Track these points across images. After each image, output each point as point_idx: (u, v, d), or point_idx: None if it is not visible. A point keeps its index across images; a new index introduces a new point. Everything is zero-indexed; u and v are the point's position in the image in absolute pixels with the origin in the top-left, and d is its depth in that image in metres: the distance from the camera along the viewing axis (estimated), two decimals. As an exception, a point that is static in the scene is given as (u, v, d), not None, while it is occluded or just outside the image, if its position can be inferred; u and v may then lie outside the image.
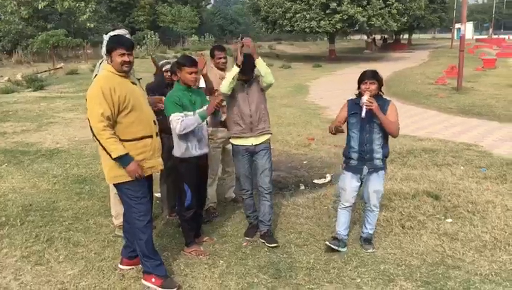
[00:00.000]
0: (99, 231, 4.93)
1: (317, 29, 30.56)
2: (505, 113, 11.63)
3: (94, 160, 7.76)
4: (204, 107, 4.12)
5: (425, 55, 37.43)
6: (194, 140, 4.15)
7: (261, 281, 3.89)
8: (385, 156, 4.29)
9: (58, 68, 23.40)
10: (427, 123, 10.75)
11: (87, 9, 33.32)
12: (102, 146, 3.54)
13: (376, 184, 4.29)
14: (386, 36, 53.05)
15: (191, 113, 4.06)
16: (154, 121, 3.82)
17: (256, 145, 4.54)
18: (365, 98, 3.98)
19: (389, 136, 4.25)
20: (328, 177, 6.77)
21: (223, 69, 5.15)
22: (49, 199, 5.90)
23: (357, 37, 61.27)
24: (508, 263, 4.09)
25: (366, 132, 4.17)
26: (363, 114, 4.01)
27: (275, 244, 4.55)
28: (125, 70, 3.63)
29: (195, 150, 4.18)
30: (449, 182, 6.32)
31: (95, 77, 4.37)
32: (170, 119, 4.03)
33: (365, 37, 50.05)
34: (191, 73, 4.05)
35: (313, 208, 5.56)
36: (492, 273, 3.92)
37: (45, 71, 22.33)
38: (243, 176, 4.69)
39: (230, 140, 4.65)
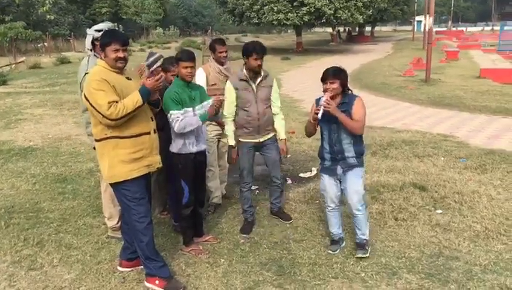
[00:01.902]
0: (90, 232, 4.77)
1: (284, 21, 30.65)
2: (474, 104, 11.97)
3: (72, 158, 7.54)
4: (206, 106, 4.03)
5: (389, 47, 38.17)
6: (192, 136, 4.06)
7: (266, 279, 3.86)
8: (360, 153, 4.12)
9: (19, 62, 22.56)
10: (402, 115, 10.95)
11: (47, 1, 32.25)
12: (128, 114, 3.38)
13: (353, 183, 4.09)
14: (350, 29, 53.75)
15: (190, 109, 3.97)
16: (151, 118, 3.70)
17: (262, 141, 4.67)
18: (323, 99, 3.89)
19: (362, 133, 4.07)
20: (314, 171, 6.80)
21: (223, 63, 5.09)
22: (31, 200, 5.67)
23: (320, 29, 61.90)
24: (504, 253, 4.20)
25: (334, 132, 4.05)
26: (319, 116, 3.89)
27: (290, 221, 4.95)
28: (120, 67, 3.50)
29: (192, 147, 4.09)
30: (433, 173, 6.44)
31: (85, 74, 4.19)
32: (169, 116, 3.93)
33: (329, 29, 50.58)
34: (186, 67, 3.96)
35: (305, 202, 5.56)
36: (491, 263, 4.01)
37: (6, 65, 21.47)
38: (246, 170, 4.75)
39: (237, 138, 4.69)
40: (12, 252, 4.35)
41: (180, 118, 3.88)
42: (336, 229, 4.38)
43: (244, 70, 4.58)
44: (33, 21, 36.09)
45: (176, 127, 3.90)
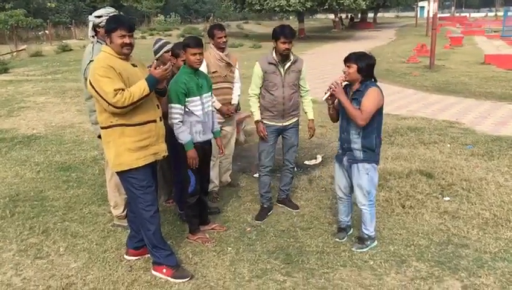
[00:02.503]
0: (96, 221, 4.74)
1: (287, 8, 30.36)
2: (479, 90, 11.87)
3: (76, 146, 7.50)
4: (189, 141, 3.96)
5: (392, 33, 37.83)
6: (199, 125, 4.00)
7: (274, 267, 3.83)
8: (368, 148, 3.89)
9: (21, 50, 22.44)
10: (406, 101, 10.86)
11: (47, -12, 32.00)
12: (135, 102, 3.31)
13: (357, 179, 3.97)
14: (352, 15, 53.30)
15: (197, 98, 3.92)
16: (157, 105, 3.64)
17: (285, 125, 4.68)
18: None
19: (378, 125, 3.90)
20: (319, 158, 6.75)
21: (223, 49, 4.99)
22: (36, 188, 5.64)
23: (323, 16, 61.41)
24: (514, 240, 4.17)
25: (345, 120, 3.96)
26: (324, 98, 3.93)
27: (297, 210, 4.93)
28: (126, 53, 3.42)
29: (199, 136, 4.03)
30: (439, 160, 6.39)
31: (90, 62, 4.10)
32: (170, 108, 3.87)
33: (331, 16, 50.15)
34: (194, 54, 3.87)
35: (311, 190, 5.53)
36: (502, 250, 3.98)
37: (7, 53, 21.36)
38: (266, 153, 4.74)
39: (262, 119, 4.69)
40: (18, 240, 4.33)
41: (179, 119, 3.88)
42: (343, 217, 4.34)
43: (274, 54, 4.52)
44: (33, 9, 35.82)
45: (173, 122, 3.89)
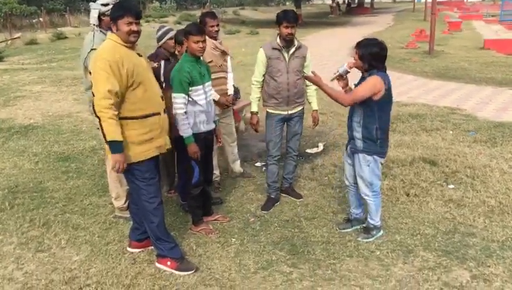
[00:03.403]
0: (97, 212, 4.67)
1: (284, -7, 30.01)
2: (479, 76, 11.78)
3: (74, 136, 7.41)
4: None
5: (390, 19, 37.55)
6: (202, 115, 3.92)
7: (280, 259, 3.78)
8: (368, 138, 3.76)
9: (15, 38, 22.14)
10: (407, 88, 10.77)
11: (41, -25, 31.53)
12: (100, 125, 3.22)
13: (359, 169, 3.90)
14: (349, 0, 52.90)
15: (200, 86, 3.83)
16: (161, 97, 3.56)
17: (291, 113, 4.62)
18: (341, 68, 3.88)
19: (380, 116, 3.75)
20: (321, 146, 6.68)
21: (215, 38, 4.86)
22: (35, 179, 5.56)
23: (319, 1, 60.97)
24: (521, 228, 4.13)
25: (352, 106, 3.84)
26: (331, 78, 3.97)
27: (301, 199, 4.90)
28: (133, 41, 3.32)
29: (203, 126, 3.95)
30: (442, 147, 6.33)
31: (91, 50, 4.00)
32: (173, 97, 3.79)
33: (327, 1, 49.75)
34: (197, 42, 3.77)
35: (314, 179, 5.46)
36: (509, 239, 3.94)
37: (2, 42, 21.10)
38: (273, 142, 4.70)
39: (266, 108, 4.64)
40: (19, 233, 4.26)
41: (184, 109, 3.80)
42: (352, 208, 4.26)
43: (278, 40, 4.45)
44: (27, -4, 35.40)
45: (176, 111, 3.80)
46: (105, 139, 3.24)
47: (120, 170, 3.30)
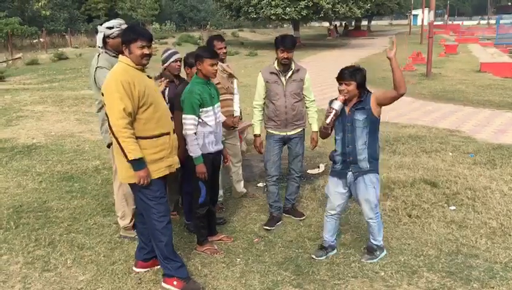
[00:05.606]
0: (102, 232, 4.70)
1: (283, 16, 30.40)
2: (477, 98, 11.95)
3: (77, 156, 7.45)
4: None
5: (386, 41, 37.95)
6: (211, 136, 4.00)
7: (285, 279, 3.81)
8: (373, 158, 3.86)
9: (16, 58, 22.34)
10: (406, 110, 10.90)
11: (42, -4, 32.03)
12: (119, 145, 3.31)
13: (364, 193, 3.88)
14: (346, 23, 53.60)
15: (210, 108, 3.92)
16: (171, 117, 3.65)
17: (290, 134, 4.70)
18: (336, 104, 3.78)
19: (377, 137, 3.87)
20: (322, 167, 6.75)
21: (223, 60, 4.97)
22: (39, 199, 5.59)
23: (317, 24, 61.66)
24: (523, 250, 4.17)
25: (349, 132, 3.83)
26: (327, 120, 3.80)
27: (303, 217, 4.95)
28: (145, 64, 3.44)
29: (211, 147, 4.03)
30: (442, 168, 6.40)
31: (96, 69, 4.15)
32: (184, 118, 3.86)
33: (325, 24, 50.40)
34: (212, 65, 3.88)
35: (316, 200, 5.51)
36: (512, 260, 3.99)
37: (3, 62, 21.27)
38: (271, 162, 4.75)
39: (266, 129, 4.75)
40: (25, 253, 4.28)
41: (193, 130, 3.88)
42: (328, 235, 4.18)
43: (275, 64, 4.58)
44: (28, 17, 35.79)
45: (187, 132, 3.87)
46: (126, 158, 3.31)
47: (146, 182, 3.39)
